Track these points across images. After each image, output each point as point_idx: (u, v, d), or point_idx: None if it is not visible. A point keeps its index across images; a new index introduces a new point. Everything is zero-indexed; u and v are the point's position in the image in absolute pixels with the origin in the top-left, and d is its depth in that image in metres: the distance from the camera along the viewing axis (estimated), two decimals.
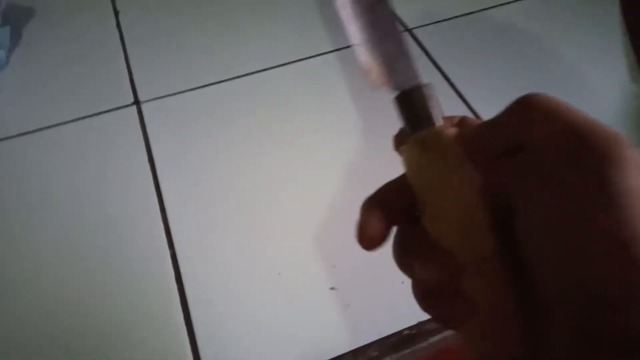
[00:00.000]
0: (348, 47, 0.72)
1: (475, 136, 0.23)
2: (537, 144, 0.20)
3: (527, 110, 0.21)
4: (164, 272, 0.51)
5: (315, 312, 0.49)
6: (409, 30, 0.74)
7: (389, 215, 0.24)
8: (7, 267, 0.52)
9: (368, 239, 0.24)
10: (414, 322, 0.48)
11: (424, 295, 0.23)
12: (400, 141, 0.25)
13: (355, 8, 0.25)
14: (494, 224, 0.21)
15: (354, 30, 0.25)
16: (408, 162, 0.23)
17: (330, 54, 0.70)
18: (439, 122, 0.23)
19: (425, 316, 0.24)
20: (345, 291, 0.50)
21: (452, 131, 0.23)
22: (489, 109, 0.63)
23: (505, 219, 0.21)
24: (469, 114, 0.64)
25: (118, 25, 0.76)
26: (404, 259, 0.24)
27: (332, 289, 0.50)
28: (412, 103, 0.24)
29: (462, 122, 0.25)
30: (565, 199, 0.18)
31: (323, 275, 0.51)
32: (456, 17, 0.76)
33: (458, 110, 0.64)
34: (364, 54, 0.25)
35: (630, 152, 0.18)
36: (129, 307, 0.49)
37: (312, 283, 0.51)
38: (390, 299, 0.49)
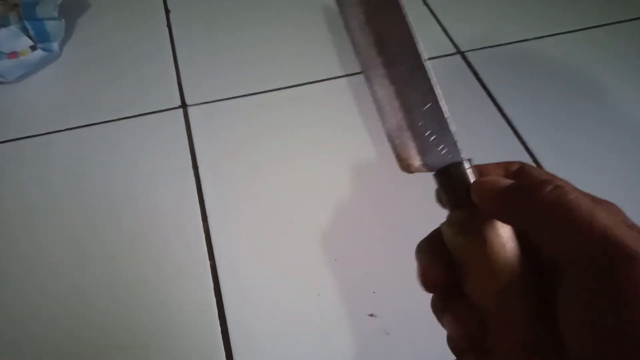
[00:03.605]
0: None
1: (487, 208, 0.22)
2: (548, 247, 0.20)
3: (540, 207, 0.20)
4: (203, 283, 0.51)
5: (352, 337, 0.48)
6: (461, 53, 0.73)
7: (443, 260, 0.23)
8: (42, 271, 0.52)
9: (432, 286, 0.24)
10: (453, 358, 0.47)
11: (454, 347, 0.23)
12: (441, 199, 0.24)
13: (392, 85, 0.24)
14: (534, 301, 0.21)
15: (389, 113, 0.24)
16: (447, 240, 0.23)
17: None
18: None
19: None
20: (384, 318, 0.49)
21: (485, 215, 0.22)
22: (536, 137, 0.62)
23: (545, 279, 0.21)
24: (516, 140, 0.63)
25: (169, 25, 0.76)
26: (438, 311, 0.24)
27: (371, 315, 0.49)
28: (452, 180, 0.23)
29: (520, 172, 0.24)
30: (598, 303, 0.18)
31: (362, 300, 0.50)
32: (510, 43, 0.75)
33: (504, 135, 0.63)
34: (398, 140, 0.24)
35: None
36: (165, 318, 0.49)
37: (350, 308, 0.50)
38: (430, 330, 0.48)
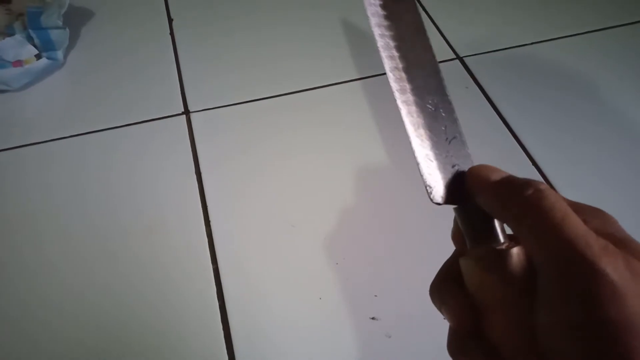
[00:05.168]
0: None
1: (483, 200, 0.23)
2: (529, 247, 0.21)
3: (522, 210, 0.20)
4: (205, 287, 0.51)
5: (354, 340, 0.49)
6: (460, 58, 0.74)
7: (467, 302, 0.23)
8: (44, 276, 0.53)
9: (463, 326, 0.23)
10: None
11: None
12: (457, 234, 0.24)
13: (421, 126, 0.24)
14: None
15: (420, 148, 0.24)
16: (467, 275, 0.23)
17: (376, 77, 0.70)
18: (499, 236, 0.23)
19: None
20: (386, 322, 0.50)
21: (514, 249, 0.22)
22: (536, 141, 0.63)
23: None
24: (515, 145, 0.63)
25: (171, 33, 0.77)
26: (458, 352, 0.23)
27: (373, 318, 0.50)
28: (474, 216, 0.23)
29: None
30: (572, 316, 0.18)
31: (364, 303, 0.51)
32: (509, 48, 0.75)
33: (504, 140, 0.64)
34: (430, 172, 0.24)
35: (616, 272, 0.18)
36: (168, 322, 0.49)
37: (352, 311, 0.50)
38: (432, 333, 0.49)
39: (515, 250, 0.21)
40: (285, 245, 0.55)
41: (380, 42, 0.24)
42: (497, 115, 0.67)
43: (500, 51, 0.75)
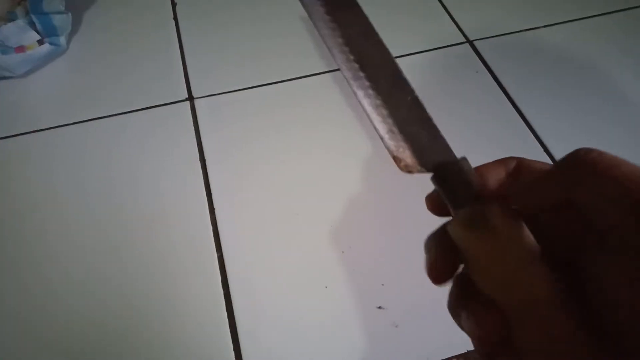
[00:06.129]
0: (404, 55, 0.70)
1: (524, 197, 0.22)
2: (594, 205, 0.19)
3: (581, 170, 0.20)
4: (210, 276, 0.51)
5: (361, 329, 0.48)
6: (470, 42, 0.72)
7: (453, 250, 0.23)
8: (47, 265, 0.52)
9: (441, 277, 0.23)
10: (462, 351, 0.47)
11: (481, 353, 0.22)
12: (433, 204, 0.24)
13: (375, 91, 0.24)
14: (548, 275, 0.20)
15: (377, 118, 0.24)
16: (457, 239, 0.22)
17: None
18: (481, 197, 0.23)
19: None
20: (393, 311, 0.49)
21: (496, 208, 0.22)
22: (547, 125, 0.61)
23: (563, 269, 0.20)
24: (526, 129, 0.62)
25: (175, 18, 0.76)
26: (454, 307, 0.23)
27: (379, 307, 0.49)
28: (452, 179, 0.23)
29: (519, 167, 0.24)
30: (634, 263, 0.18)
31: (371, 293, 0.50)
32: (520, 31, 0.74)
33: (515, 124, 0.62)
34: (392, 139, 0.24)
35: None
36: (173, 310, 0.49)
37: (359, 300, 0.50)
38: (440, 323, 0.48)
39: (498, 206, 0.22)
40: (291, 234, 0.54)
41: (329, 41, 0.25)
42: (507, 99, 0.65)
43: (511, 35, 0.73)
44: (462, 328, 0.22)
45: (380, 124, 0.24)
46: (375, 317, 0.49)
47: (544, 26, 0.74)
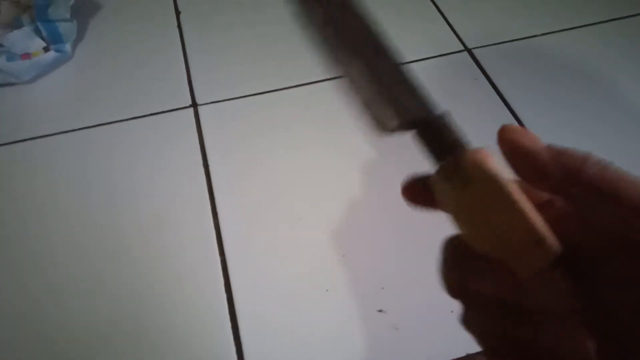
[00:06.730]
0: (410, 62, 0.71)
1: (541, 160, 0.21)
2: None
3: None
4: (213, 279, 0.52)
5: (361, 332, 0.49)
6: (469, 50, 0.73)
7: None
8: (53, 268, 0.53)
9: (411, 195, 0.23)
10: (462, 354, 0.47)
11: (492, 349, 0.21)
12: (411, 194, 0.23)
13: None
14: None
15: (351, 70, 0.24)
16: (437, 196, 0.22)
17: None
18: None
19: (474, 349, 0.23)
20: (393, 314, 0.50)
21: (473, 156, 0.21)
22: (546, 133, 0.62)
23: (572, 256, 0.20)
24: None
25: (179, 26, 0.77)
26: (454, 278, 0.21)
27: (380, 311, 0.50)
28: (434, 134, 0.22)
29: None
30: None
31: (371, 296, 0.51)
32: (518, 39, 0.75)
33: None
34: (373, 107, 0.23)
35: None
36: (176, 313, 0.50)
37: (359, 303, 0.50)
38: (440, 326, 0.49)
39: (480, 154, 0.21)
40: (293, 238, 0.55)
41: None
42: (505, 107, 0.66)
43: (509, 43, 0.75)
44: (466, 303, 0.21)
45: (362, 90, 0.24)
46: (376, 320, 0.49)
47: (543, 34, 0.75)
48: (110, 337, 0.48)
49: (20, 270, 0.53)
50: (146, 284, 0.51)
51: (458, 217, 0.21)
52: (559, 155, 0.20)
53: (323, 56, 0.24)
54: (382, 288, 0.51)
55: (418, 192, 0.23)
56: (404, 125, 0.22)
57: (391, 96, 0.23)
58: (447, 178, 0.21)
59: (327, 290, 0.51)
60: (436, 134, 0.22)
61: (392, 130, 0.22)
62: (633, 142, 0.63)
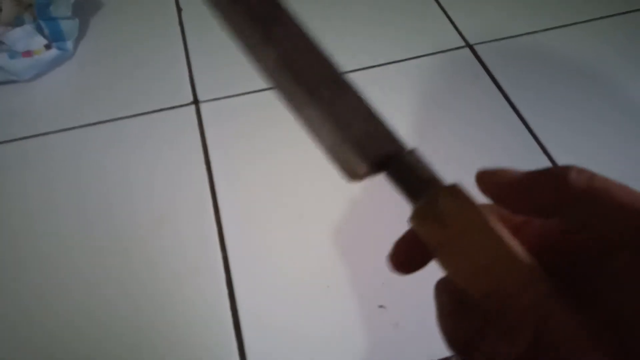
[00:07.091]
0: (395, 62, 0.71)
1: (509, 196, 0.21)
2: (587, 223, 0.19)
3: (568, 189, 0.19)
4: (215, 275, 0.52)
5: (362, 329, 0.49)
6: (470, 46, 0.73)
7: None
8: (56, 267, 0.53)
9: (400, 264, 0.23)
10: None
11: None
12: (397, 261, 0.23)
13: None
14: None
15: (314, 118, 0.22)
16: (418, 235, 0.21)
17: (384, 66, 0.70)
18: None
19: None
20: (394, 310, 0.50)
21: (448, 193, 0.20)
22: (547, 129, 0.62)
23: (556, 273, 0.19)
24: (527, 133, 0.63)
25: (180, 23, 0.77)
26: (460, 335, 0.20)
27: (380, 306, 0.50)
28: (405, 172, 0.22)
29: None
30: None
31: (372, 292, 0.51)
32: (520, 35, 0.75)
33: (517, 129, 0.63)
34: (339, 154, 0.22)
35: None
36: (178, 309, 0.50)
37: (360, 299, 0.50)
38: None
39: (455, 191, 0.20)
40: (294, 234, 0.55)
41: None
42: (507, 103, 0.66)
43: (511, 39, 0.74)
44: (463, 353, 0.20)
45: (325, 137, 0.23)
46: (376, 316, 0.49)
47: (545, 30, 0.75)
48: (111, 337, 0.49)
49: (20, 270, 0.53)
50: (147, 283, 0.51)
51: (443, 256, 0.20)
52: (541, 176, 0.20)
53: (280, 99, 0.23)
54: (383, 284, 0.51)
55: (405, 254, 0.23)
56: (374, 169, 0.22)
57: (357, 140, 0.22)
58: (425, 218, 0.21)
59: (328, 287, 0.51)
60: (407, 173, 0.22)
61: (362, 176, 0.22)
62: (633, 138, 0.63)
